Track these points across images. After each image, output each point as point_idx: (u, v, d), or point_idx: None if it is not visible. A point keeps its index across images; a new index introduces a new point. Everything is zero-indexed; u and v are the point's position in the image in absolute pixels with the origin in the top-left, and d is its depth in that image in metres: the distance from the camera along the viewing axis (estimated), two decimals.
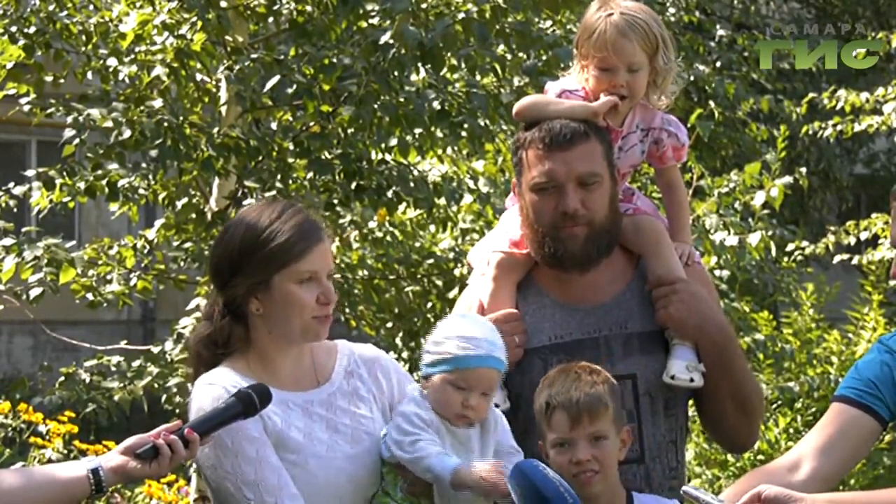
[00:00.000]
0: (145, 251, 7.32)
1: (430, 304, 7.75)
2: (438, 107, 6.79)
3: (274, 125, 7.14)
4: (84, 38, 7.04)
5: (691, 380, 3.57)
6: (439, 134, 7.15)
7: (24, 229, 6.95)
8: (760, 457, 7.67)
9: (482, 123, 6.98)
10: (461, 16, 6.62)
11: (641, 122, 3.72)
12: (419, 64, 6.72)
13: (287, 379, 3.36)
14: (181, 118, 6.76)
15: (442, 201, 7.52)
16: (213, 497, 3.34)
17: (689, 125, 8.33)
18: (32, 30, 6.86)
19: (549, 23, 7.67)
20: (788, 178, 8.01)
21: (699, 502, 3.18)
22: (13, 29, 6.85)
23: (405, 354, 7.86)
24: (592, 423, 3.34)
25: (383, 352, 3.58)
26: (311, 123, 7.01)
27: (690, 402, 3.77)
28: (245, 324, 3.34)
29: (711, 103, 10.02)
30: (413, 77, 6.97)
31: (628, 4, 3.66)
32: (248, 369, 3.32)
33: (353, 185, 6.88)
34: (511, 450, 3.39)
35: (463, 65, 6.84)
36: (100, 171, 6.81)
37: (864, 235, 9.58)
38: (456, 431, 3.31)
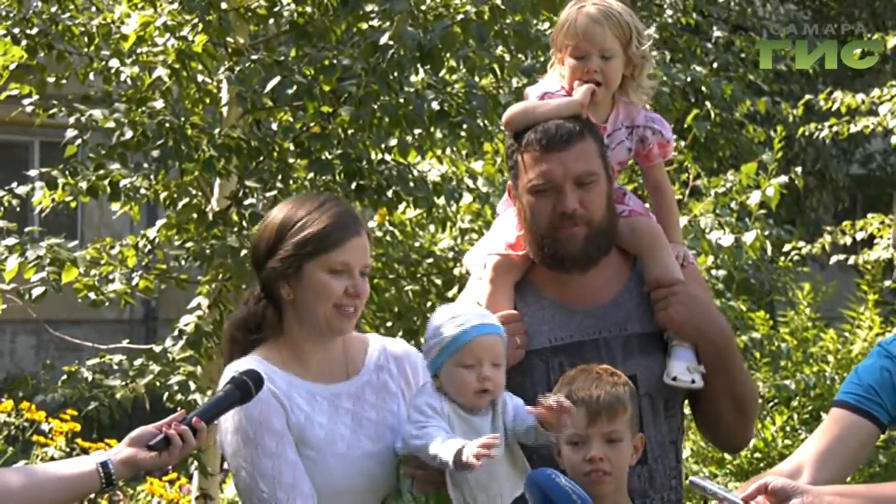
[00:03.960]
0: (147, 251, 7.32)
1: (429, 304, 7.75)
2: (438, 107, 6.80)
3: (274, 126, 7.16)
4: (86, 39, 7.06)
5: (693, 381, 3.57)
6: (438, 134, 7.17)
7: (27, 229, 6.95)
8: (757, 455, 7.70)
9: (481, 124, 6.98)
10: (460, 17, 6.62)
11: (626, 120, 3.73)
12: (418, 65, 6.73)
13: (317, 370, 3.36)
14: (183, 119, 6.78)
15: (441, 201, 7.53)
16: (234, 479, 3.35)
17: (686, 126, 8.38)
18: (35, 31, 6.88)
19: (547, 24, 7.69)
20: (784, 178, 8.03)
21: (707, 492, 3.19)
22: (16, 30, 6.86)
23: None
24: (610, 422, 3.33)
25: (413, 348, 3.58)
26: (312, 124, 7.02)
27: (686, 401, 3.78)
28: (279, 310, 3.35)
29: (708, 104, 10.04)
30: (412, 78, 6.98)
31: None
32: (279, 358, 3.33)
33: (353, 185, 6.88)
34: (530, 428, 3.35)
35: (462, 65, 6.85)
36: (102, 172, 6.82)
37: (860, 235, 9.63)
38: (469, 419, 3.32)
